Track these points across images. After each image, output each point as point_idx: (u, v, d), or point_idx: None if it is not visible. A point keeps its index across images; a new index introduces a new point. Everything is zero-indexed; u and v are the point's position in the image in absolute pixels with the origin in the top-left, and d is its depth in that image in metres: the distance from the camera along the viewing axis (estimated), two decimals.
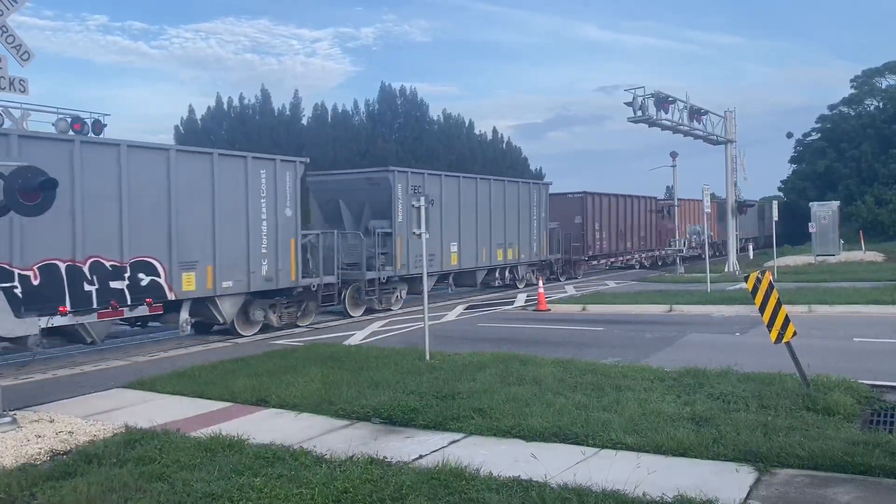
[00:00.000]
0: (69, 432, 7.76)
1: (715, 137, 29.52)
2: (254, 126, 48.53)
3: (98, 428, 7.92)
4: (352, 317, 18.77)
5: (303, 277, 16.73)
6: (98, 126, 21.78)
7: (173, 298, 13.90)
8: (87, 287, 12.55)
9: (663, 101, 25.04)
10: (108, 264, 12.90)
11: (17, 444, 7.34)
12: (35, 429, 7.92)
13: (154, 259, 13.62)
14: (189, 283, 14.21)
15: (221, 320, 15.29)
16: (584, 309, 19.19)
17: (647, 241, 36.59)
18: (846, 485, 5.57)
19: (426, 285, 12.04)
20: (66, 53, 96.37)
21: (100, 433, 7.69)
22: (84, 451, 6.95)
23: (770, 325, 8.33)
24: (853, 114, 62.58)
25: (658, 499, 5.27)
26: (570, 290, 25.09)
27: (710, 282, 22.54)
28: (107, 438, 7.41)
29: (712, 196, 28.03)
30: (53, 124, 20.87)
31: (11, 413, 8.26)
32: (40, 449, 7.19)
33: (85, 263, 12.53)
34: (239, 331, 15.68)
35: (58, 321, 12.15)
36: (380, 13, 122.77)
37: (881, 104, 61.26)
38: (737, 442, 6.47)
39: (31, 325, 8.99)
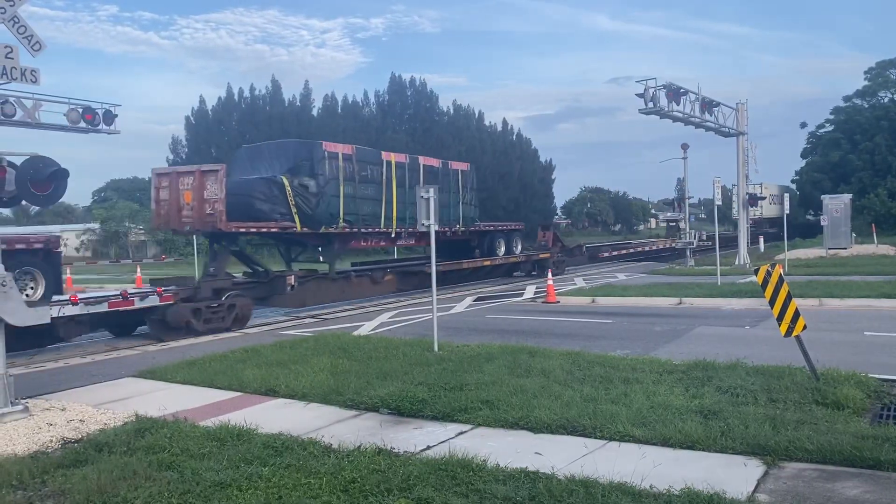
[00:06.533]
0: (80, 420, 7.84)
1: (726, 129, 29.26)
2: (264, 116, 48.59)
3: (108, 416, 7.99)
4: None
5: None
6: (108, 116, 21.85)
7: None
8: None
9: (675, 93, 24.86)
10: None
11: (29, 432, 7.42)
12: (47, 417, 8.00)
13: None
14: None
15: None
16: (593, 301, 19.17)
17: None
18: (854, 479, 5.55)
19: (434, 279, 12.04)
20: (77, 43, 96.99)
21: (110, 422, 7.75)
22: (94, 440, 7.01)
23: (780, 318, 8.30)
24: (867, 106, 61.91)
25: (665, 491, 5.26)
26: (580, 282, 25.04)
27: (721, 274, 22.44)
28: (117, 427, 7.48)
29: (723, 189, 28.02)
30: (65, 114, 20.96)
31: (23, 401, 8.35)
32: (52, 437, 7.26)
33: None
34: None
35: (69, 311, 12.30)
36: (389, 3, 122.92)
37: (895, 96, 60.64)
38: (745, 435, 6.44)
39: (43, 315, 9.07)
